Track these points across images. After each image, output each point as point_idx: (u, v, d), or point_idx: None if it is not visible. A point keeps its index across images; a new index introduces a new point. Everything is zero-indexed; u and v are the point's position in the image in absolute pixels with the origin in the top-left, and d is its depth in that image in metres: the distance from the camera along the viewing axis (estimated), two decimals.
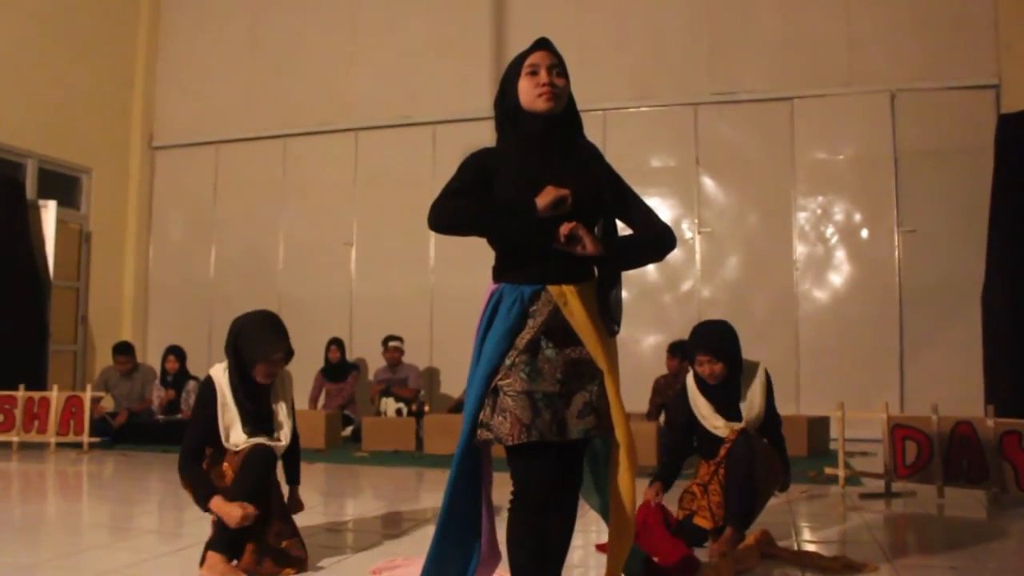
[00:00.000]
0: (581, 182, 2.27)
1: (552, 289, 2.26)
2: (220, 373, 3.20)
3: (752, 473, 3.33)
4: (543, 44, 2.35)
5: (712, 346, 3.49)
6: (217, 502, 3.02)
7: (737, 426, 3.41)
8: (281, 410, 3.27)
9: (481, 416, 2.24)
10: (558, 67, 2.32)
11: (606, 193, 2.34)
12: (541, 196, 2.19)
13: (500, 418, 2.20)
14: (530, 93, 2.30)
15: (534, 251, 2.27)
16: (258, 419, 3.18)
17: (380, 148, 9.32)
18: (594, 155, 2.39)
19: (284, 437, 3.25)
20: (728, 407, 3.49)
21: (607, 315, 2.30)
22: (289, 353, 3.24)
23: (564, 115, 2.34)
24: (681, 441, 3.64)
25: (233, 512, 2.97)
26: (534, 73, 2.30)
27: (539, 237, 2.22)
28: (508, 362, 2.23)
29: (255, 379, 3.17)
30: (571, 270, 2.28)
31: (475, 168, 2.32)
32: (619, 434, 2.28)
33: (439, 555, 2.35)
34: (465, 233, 2.29)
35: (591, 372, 2.28)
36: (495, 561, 2.59)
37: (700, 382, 3.56)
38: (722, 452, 3.39)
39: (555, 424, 2.22)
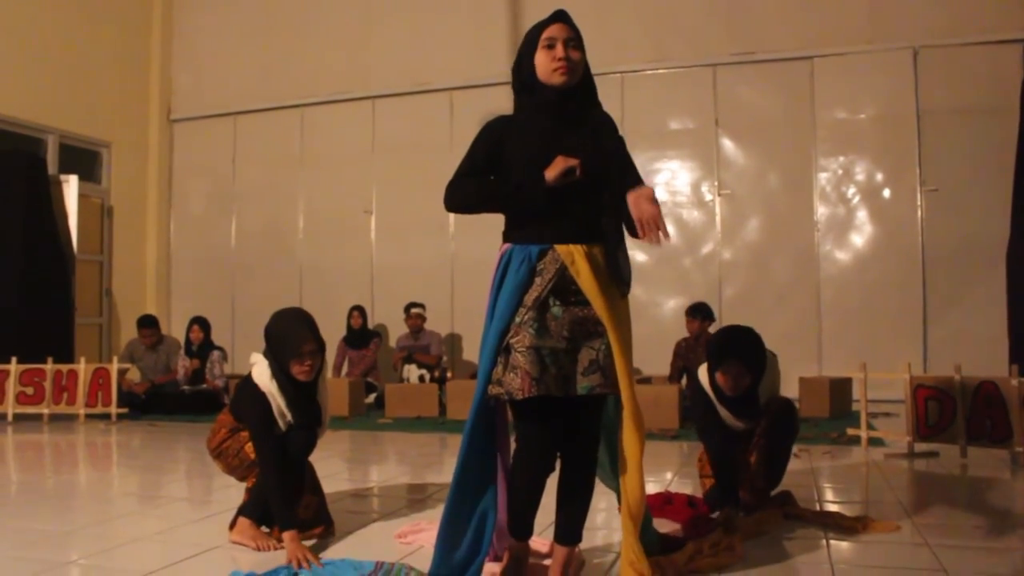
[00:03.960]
0: (592, 151, 2.30)
1: (560, 248, 2.30)
2: (267, 381, 3.04)
3: (792, 442, 3.46)
4: (561, 16, 2.36)
5: (748, 356, 3.23)
6: (291, 537, 2.86)
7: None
8: (325, 405, 3.21)
9: (494, 373, 2.28)
10: (574, 40, 2.34)
11: (615, 164, 2.35)
12: (550, 168, 2.25)
13: (511, 375, 2.24)
14: (547, 67, 2.32)
15: (543, 214, 2.31)
16: (310, 418, 3.10)
17: (397, 116, 9.30)
18: (607, 125, 2.40)
19: (324, 427, 3.23)
20: (747, 412, 3.34)
21: (617, 275, 2.32)
22: (321, 345, 3.09)
23: (579, 86, 2.36)
24: (725, 441, 3.30)
25: (296, 552, 2.82)
26: (551, 47, 2.32)
27: (549, 204, 2.28)
28: (518, 319, 2.28)
29: (298, 379, 3.04)
30: (579, 231, 2.32)
31: (488, 143, 2.37)
32: (623, 394, 2.30)
33: (454, 514, 2.38)
34: (478, 212, 2.39)
35: (598, 330, 2.31)
36: None
37: (717, 391, 3.32)
38: (764, 425, 3.36)
39: (560, 379, 2.26)
